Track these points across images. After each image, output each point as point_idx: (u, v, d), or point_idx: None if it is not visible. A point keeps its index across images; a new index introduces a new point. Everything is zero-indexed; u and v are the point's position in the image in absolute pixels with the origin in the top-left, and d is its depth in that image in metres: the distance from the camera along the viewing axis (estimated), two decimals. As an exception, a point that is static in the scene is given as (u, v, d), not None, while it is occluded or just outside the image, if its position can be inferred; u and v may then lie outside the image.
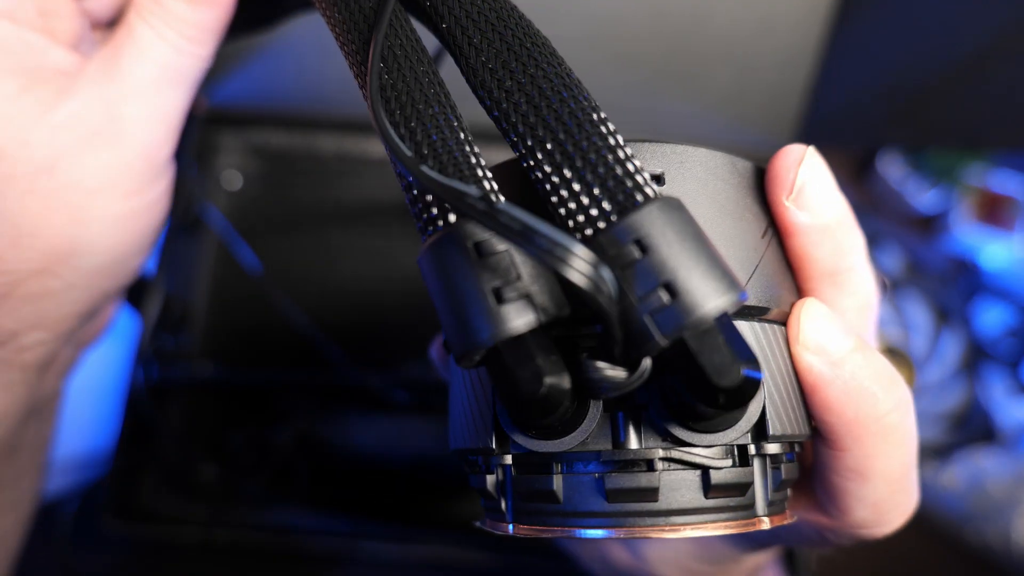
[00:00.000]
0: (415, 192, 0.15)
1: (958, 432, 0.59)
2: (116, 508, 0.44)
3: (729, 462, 0.16)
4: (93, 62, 0.20)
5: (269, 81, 0.51)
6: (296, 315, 0.44)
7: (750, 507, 0.16)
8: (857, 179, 0.67)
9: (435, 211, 0.15)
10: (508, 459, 0.16)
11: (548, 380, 0.13)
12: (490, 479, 0.17)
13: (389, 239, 0.49)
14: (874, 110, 0.48)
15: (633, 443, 0.15)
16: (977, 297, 0.65)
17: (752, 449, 0.16)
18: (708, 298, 0.13)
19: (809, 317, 0.17)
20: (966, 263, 0.66)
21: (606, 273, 0.13)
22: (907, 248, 0.64)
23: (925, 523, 0.60)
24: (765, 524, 0.16)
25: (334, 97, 0.51)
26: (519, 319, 0.13)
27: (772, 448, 0.16)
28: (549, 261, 0.12)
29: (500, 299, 0.13)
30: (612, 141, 0.15)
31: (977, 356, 0.61)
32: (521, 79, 0.15)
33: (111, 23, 0.22)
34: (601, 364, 0.14)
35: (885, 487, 0.18)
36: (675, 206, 0.14)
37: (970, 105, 0.42)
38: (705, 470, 0.16)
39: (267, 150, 0.54)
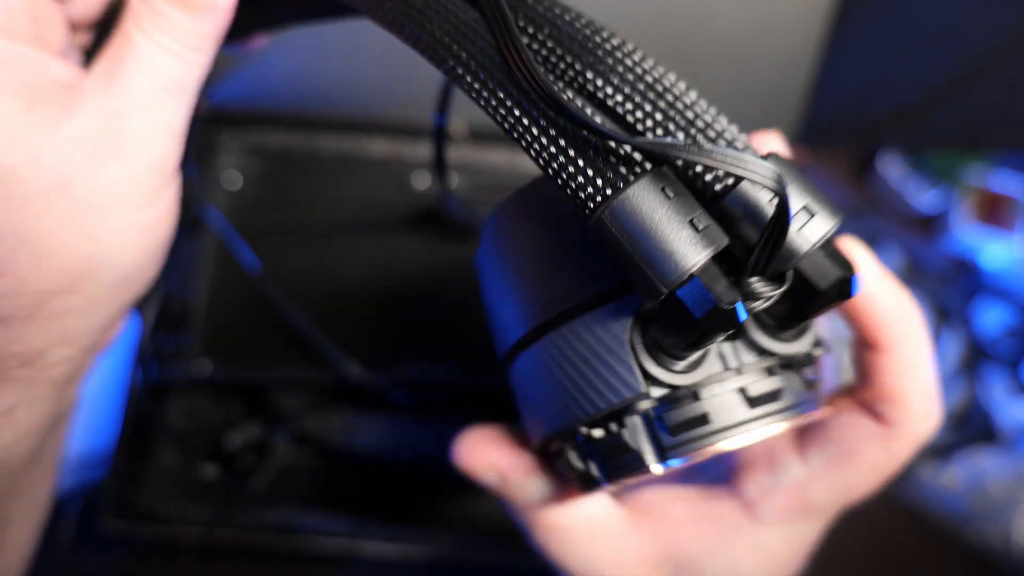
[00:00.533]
0: (591, 153, 0.17)
1: (958, 432, 0.59)
2: (116, 508, 0.44)
3: (808, 363, 0.20)
4: (92, 75, 0.20)
5: (269, 81, 0.51)
6: (296, 315, 0.44)
7: (817, 399, 0.20)
8: (857, 179, 0.67)
9: (613, 172, 0.17)
10: (648, 403, 0.18)
11: (733, 296, 0.16)
12: (626, 432, 0.19)
13: (389, 239, 0.49)
14: (874, 111, 0.48)
15: (752, 358, 0.19)
16: (977, 297, 0.65)
17: (815, 352, 0.20)
18: (834, 213, 0.17)
19: (853, 243, 0.22)
20: (966, 263, 0.66)
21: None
22: (907, 248, 0.64)
23: (925, 523, 0.60)
24: (829, 410, 0.22)
25: (334, 97, 0.51)
26: (719, 238, 0.16)
27: (820, 351, 0.20)
28: (757, 180, 0.15)
29: (695, 228, 0.16)
30: (715, 110, 0.19)
31: (977, 356, 0.61)
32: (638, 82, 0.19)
33: (89, 26, 0.22)
34: (754, 279, 0.17)
35: (929, 375, 0.22)
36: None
37: (970, 106, 0.42)
38: (800, 368, 0.20)
39: (267, 150, 0.54)
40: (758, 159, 0.15)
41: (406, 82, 0.50)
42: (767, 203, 0.17)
